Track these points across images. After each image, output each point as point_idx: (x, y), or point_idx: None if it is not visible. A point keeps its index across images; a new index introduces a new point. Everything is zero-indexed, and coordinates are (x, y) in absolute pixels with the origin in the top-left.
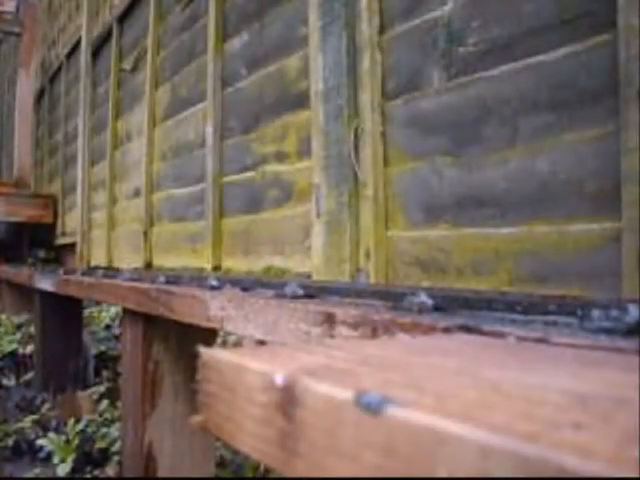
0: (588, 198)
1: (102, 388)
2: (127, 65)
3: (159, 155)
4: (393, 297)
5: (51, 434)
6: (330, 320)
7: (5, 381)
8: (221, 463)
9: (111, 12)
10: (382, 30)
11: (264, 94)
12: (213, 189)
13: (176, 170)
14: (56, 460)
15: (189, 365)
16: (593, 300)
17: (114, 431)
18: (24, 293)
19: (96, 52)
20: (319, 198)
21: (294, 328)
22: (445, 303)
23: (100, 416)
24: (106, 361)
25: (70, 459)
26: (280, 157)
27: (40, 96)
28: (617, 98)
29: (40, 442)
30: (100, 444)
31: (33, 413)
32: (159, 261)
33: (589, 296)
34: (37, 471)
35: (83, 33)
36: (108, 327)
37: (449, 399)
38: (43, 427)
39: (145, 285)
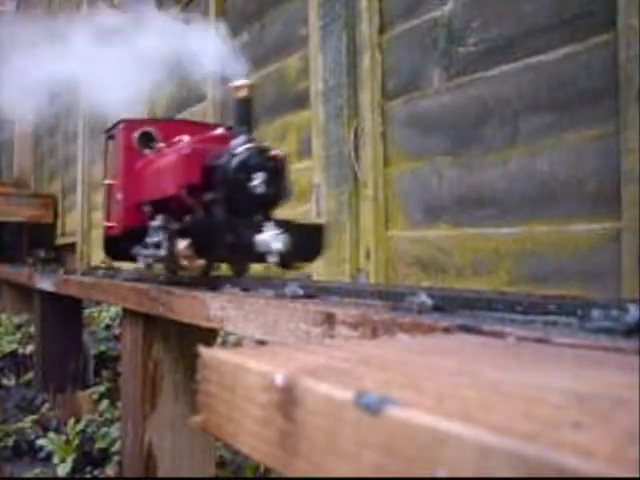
0: (588, 198)
1: (102, 388)
2: None
3: None
4: (393, 297)
5: (51, 434)
6: (330, 320)
7: (5, 381)
8: (221, 463)
9: None
10: (382, 30)
11: (264, 94)
12: None
13: None
14: (56, 460)
15: (189, 365)
16: (593, 300)
17: (114, 431)
18: (24, 293)
19: None
20: (319, 198)
21: (294, 328)
22: (445, 303)
23: (100, 416)
24: (106, 361)
25: (70, 459)
26: None
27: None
28: (617, 98)
29: (40, 442)
30: (100, 444)
31: (33, 413)
32: None
33: (589, 296)
34: (37, 471)
35: None
36: (108, 327)
37: (449, 399)
38: (43, 427)
39: (145, 285)
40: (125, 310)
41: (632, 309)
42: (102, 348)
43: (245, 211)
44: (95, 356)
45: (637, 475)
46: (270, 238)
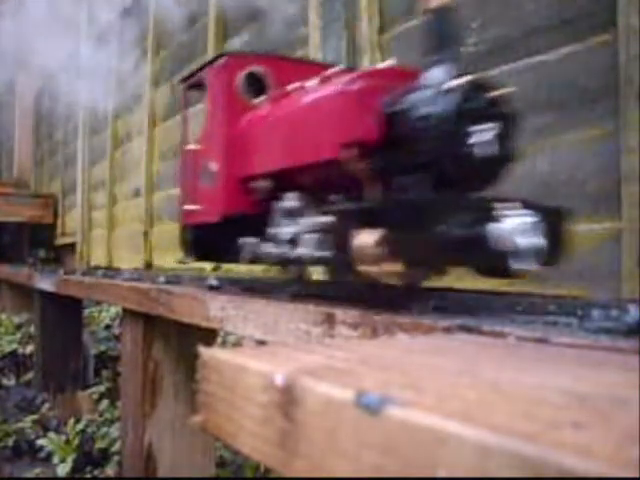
0: (588, 198)
1: (102, 388)
2: None
3: (159, 155)
4: None
5: (51, 434)
6: (330, 320)
7: (5, 381)
8: (221, 463)
9: None
10: (382, 30)
11: None
12: None
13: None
14: (56, 460)
15: (189, 365)
16: (593, 300)
17: (114, 431)
18: (24, 293)
19: None
20: None
21: (294, 328)
22: (445, 303)
23: (100, 416)
24: (106, 361)
25: (70, 459)
26: None
27: (40, 95)
28: (617, 98)
29: (40, 442)
30: (100, 444)
31: (33, 413)
32: (159, 261)
33: (589, 296)
34: (37, 471)
35: None
36: (108, 327)
37: (449, 399)
38: (43, 427)
39: (145, 285)
40: (125, 310)
41: (632, 309)
42: (102, 348)
43: (461, 185)
44: (95, 356)
45: (637, 475)
46: (519, 229)
